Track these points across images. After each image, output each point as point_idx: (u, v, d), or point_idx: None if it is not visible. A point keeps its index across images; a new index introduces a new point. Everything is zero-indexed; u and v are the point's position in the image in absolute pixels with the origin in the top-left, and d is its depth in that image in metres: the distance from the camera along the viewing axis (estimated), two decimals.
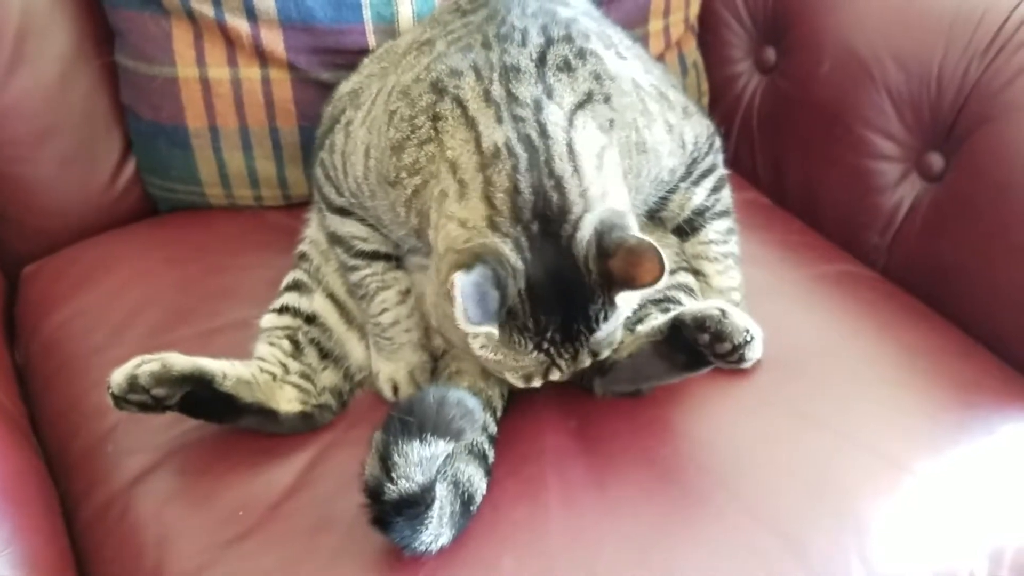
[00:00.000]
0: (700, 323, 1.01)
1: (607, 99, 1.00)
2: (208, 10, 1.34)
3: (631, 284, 0.91)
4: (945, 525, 1.06)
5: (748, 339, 1.04)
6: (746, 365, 1.06)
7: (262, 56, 1.37)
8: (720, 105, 1.62)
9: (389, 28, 1.36)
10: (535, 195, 0.92)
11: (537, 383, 1.00)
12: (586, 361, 0.98)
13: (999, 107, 1.27)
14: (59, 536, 1.09)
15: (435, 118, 0.98)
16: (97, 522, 1.10)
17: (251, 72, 1.38)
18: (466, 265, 0.88)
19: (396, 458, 0.91)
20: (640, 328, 1.08)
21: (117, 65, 1.43)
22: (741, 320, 1.03)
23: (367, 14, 1.35)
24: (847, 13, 1.44)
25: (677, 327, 1.03)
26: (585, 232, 0.92)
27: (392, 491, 0.91)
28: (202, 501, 1.07)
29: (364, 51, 1.35)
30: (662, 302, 1.14)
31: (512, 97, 0.97)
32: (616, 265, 0.91)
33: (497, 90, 0.97)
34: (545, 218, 0.92)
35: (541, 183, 0.93)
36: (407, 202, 1.01)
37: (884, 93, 1.37)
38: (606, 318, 0.94)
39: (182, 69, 1.38)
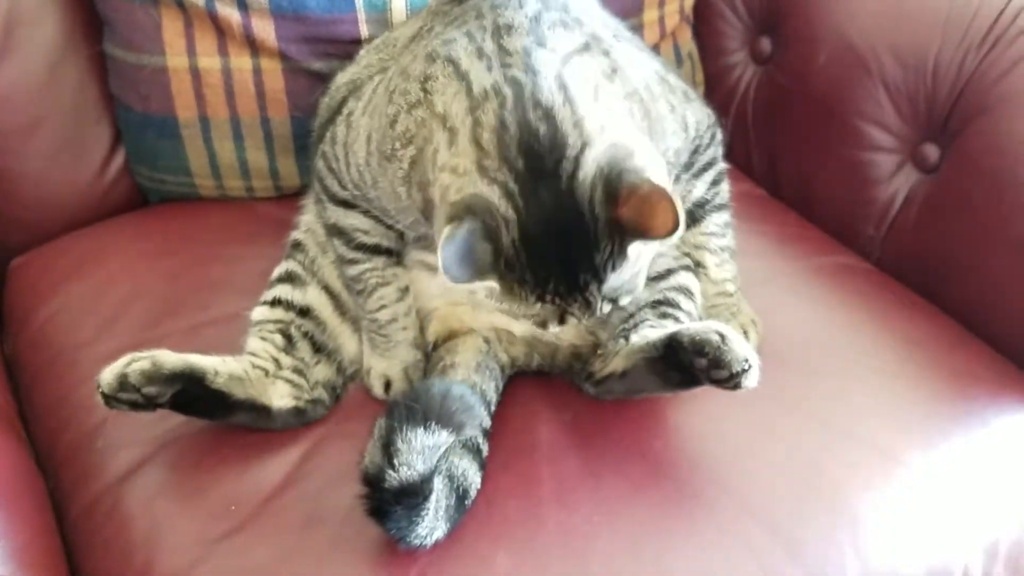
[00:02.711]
0: (699, 348, 0.98)
1: (606, 53, 0.98)
2: None
3: (644, 235, 0.87)
4: (940, 519, 1.06)
5: (746, 368, 0.97)
6: (740, 391, 0.99)
7: (253, 46, 1.36)
8: (715, 96, 1.61)
9: (382, 17, 1.35)
10: (521, 129, 0.88)
11: (554, 328, 0.95)
12: (604, 308, 0.93)
13: (995, 98, 1.27)
14: (49, 531, 1.08)
15: (425, 80, 0.96)
16: (87, 517, 1.09)
17: (242, 62, 1.37)
18: (456, 218, 0.85)
19: (399, 444, 0.90)
20: (635, 339, 1.07)
21: (106, 55, 1.42)
22: (740, 348, 0.98)
23: (360, 3, 1.34)
24: (843, 4, 1.44)
25: (674, 347, 1.00)
26: (588, 171, 0.87)
27: (393, 478, 0.90)
28: (193, 496, 1.06)
29: (357, 41, 1.34)
30: (660, 305, 1.13)
31: (503, 50, 0.94)
32: (626, 213, 0.86)
33: (489, 46, 0.95)
34: (535, 155, 0.87)
35: (526, 117, 0.89)
36: (406, 178, 0.99)
37: (880, 85, 1.37)
38: (615, 268, 0.89)
39: (172, 59, 1.37)
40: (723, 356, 0.97)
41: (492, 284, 0.89)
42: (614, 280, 0.90)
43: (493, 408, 1.11)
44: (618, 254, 0.89)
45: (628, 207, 0.86)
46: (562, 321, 0.94)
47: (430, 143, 0.94)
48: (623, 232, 0.87)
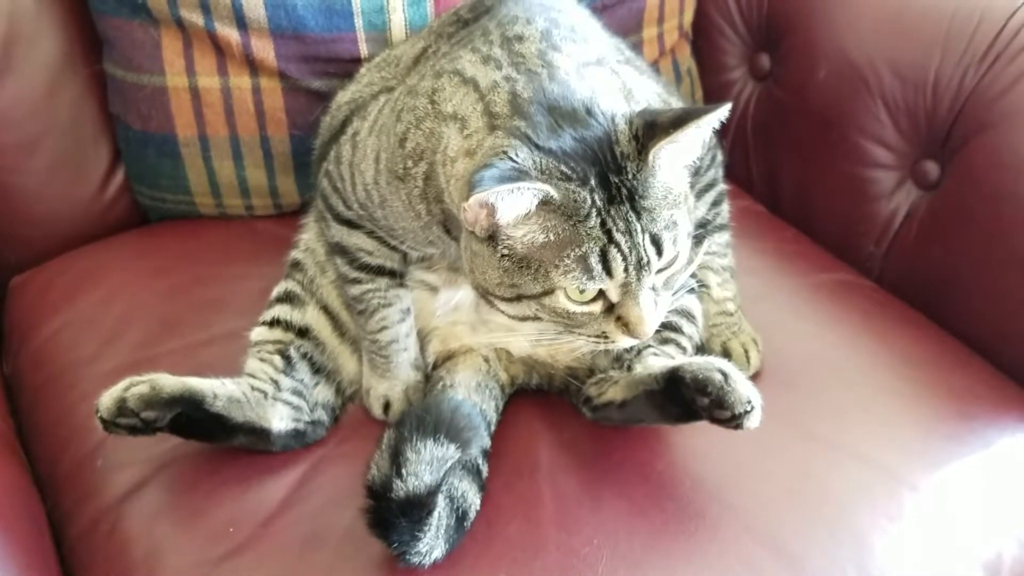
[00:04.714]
0: (701, 386, 0.96)
1: (615, 72, 0.99)
2: (198, 19, 1.33)
3: (686, 122, 0.86)
4: (942, 537, 1.06)
5: (749, 409, 0.96)
6: (741, 431, 0.97)
7: (252, 65, 1.36)
8: None
9: (381, 36, 1.35)
10: (536, 94, 0.90)
11: (599, 279, 0.87)
12: (649, 249, 0.87)
13: (995, 115, 1.26)
14: (47, 553, 1.08)
15: (432, 93, 0.97)
16: (86, 538, 1.09)
17: (241, 81, 1.37)
18: (470, 185, 0.83)
19: (409, 454, 0.91)
20: (637, 369, 1.07)
21: (105, 74, 1.42)
22: (744, 388, 0.96)
23: (359, 22, 1.34)
24: (842, 20, 1.44)
25: (675, 382, 0.99)
26: (606, 102, 0.89)
27: (400, 488, 0.91)
28: (192, 517, 1.06)
29: (356, 59, 1.34)
30: (660, 329, 1.12)
31: (515, 53, 0.95)
32: (665, 121, 0.87)
33: (497, 52, 0.96)
34: (551, 106, 0.89)
35: (542, 86, 0.90)
36: (422, 195, 0.99)
37: (879, 101, 1.37)
38: (639, 171, 0.87)
39: (171, 78, 1.37)
40: (726, 397, 0.95)
41: (544, 189, 0.84)
42: (649, 198, 0.87)
43: (493, 428, 1.11)
44: (639, 157, 0.87)
45: (666, 116, 0.87)
46: (606, 263, 0.86)
47: (439, 148, 0.94)
48: (656, 134, 0.87)
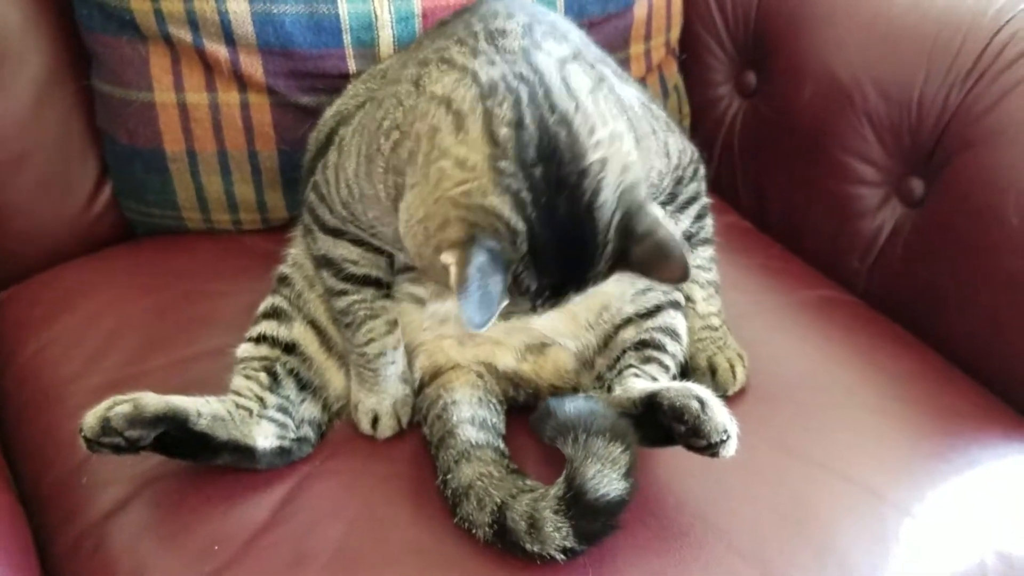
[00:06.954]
0: (678, 414, 0.97)
1: (592, 66, 0.98)
2: (186, 35, 1.33)
3: (648, 275, 0.90)
4: (925, 556, 1.05)
5: (724, 438, 0.97)
6: (717, 459, 0.99)
7: (241, 81, 1.36)
8: (701, 128, 1.62)
9: (369, 52, 1.35)
10: (539, 130, 0.87)
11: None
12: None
13: (980, 133, 1.27)
14: (31, 571, 1.07)
15: (417, 79, 0.96)
16: (71, 556, 1.08)
17: (230, 97, 1.37)
18: (461, 244, 0.83)
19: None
20: (617, 391, 1.07)
21: (93, 89, 1.42)
22: (720, 416, 0.97)
23: (347, 39, 1.34)
24: (828, 39, 1.45)
25: (653, 408, 1.00)
26: (608, 195, 0.87)
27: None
28: (177, 535, 1.05)
29: (344, 75, 1.35)
30: (644, 347, 1.13)
31: (502, 49, 0.93)
32: (639, 252, 0.88)
33: (484, 46, 0.94)
34: (557, 163, 0.86)
35: (543, 117, 0.87)
36: (384, 168, 0.97)
37: (864, 118, 1.38)
38: (596, 283, 0.91)
39: (159, 94, 1.37)
40: (702, 426, 0.96)
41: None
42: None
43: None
44: (604, 275, 0.91)
45: (642, 247, 0.88)
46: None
47: (423, 121, 0.92)
48: (624, 263, 0.89)
